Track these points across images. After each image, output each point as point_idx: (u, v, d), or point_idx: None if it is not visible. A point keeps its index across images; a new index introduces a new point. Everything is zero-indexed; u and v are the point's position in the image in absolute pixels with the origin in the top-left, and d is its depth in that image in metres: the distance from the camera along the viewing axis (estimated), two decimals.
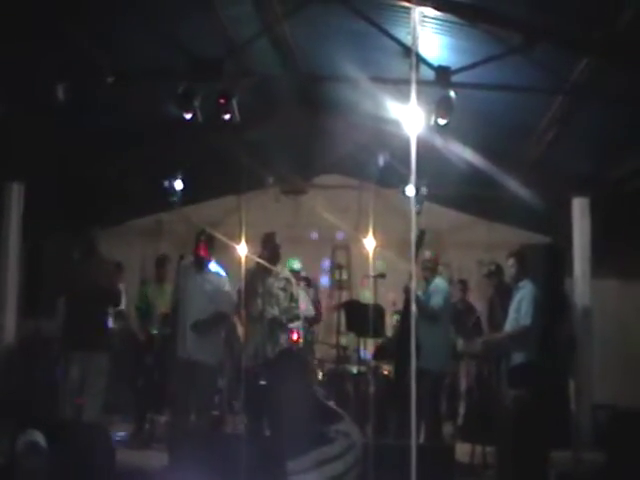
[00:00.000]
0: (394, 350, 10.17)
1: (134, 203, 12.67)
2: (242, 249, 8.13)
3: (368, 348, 10.61)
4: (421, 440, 8.21)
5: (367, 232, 9.11)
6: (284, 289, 8.48)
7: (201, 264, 8.36)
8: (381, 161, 10.28)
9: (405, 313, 8.85)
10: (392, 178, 10.08)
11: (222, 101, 7.84)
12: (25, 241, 10.86)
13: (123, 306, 10.56)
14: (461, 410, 10.64)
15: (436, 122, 7.57)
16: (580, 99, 8.30)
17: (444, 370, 9.08)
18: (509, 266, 8.19)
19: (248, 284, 8.26)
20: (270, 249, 8.51)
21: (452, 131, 8.16)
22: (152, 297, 10.25)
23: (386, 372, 10.29)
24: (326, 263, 13.09)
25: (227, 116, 7.90)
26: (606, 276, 11.39)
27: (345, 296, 11.41)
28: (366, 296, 10.41)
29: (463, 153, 9.16)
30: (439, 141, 8.32)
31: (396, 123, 7.81)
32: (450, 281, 10.01)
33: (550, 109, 8.67)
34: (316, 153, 12.43)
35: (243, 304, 8.37)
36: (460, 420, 10.46)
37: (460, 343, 10.24)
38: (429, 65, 7.43)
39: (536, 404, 7.26)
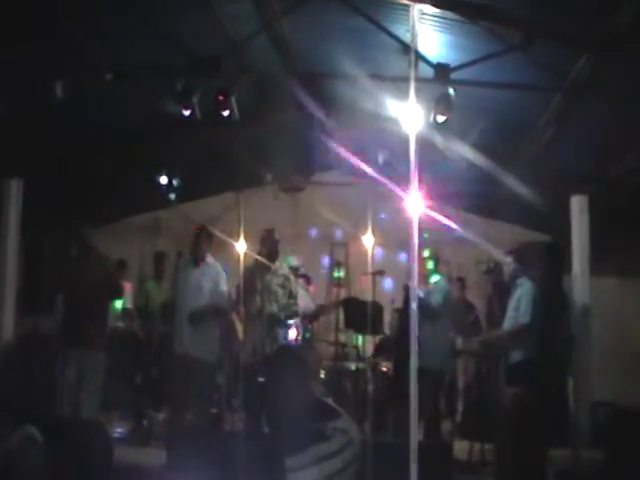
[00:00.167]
0: (393, 348, 10.18)
1: (132, 200, 12.67)
2: (241, 246, 8.13)
3: (367, 345, 10.64)
4: (420, 437, 8.21)
5: (366, 229, 9.11)
6: (283, 286, 8.47)
7: (198, 260, 8.37)
8: (380, 159, 10.28)
9: (405, 311, 8.86)
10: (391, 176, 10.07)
11: (221, 98, 7.86)
12: (24, 238, 10.87)
13: (129, 304, 10.57)
14: (459, 407, 10.65)
15: (435, 120, 7.57)
16: (579, 97, 8.29)
17: (444, 368, 9.09)
18: (508, 264, 8.19)
19: (247, 281, 8.26)
20: (269, 246, 8.50)
21: (451, 128, 8.16)
22: (150, 294, 10.26)
23: (385, 369, 10.30)
24: (325, 260, 13.07)
25: (226, 113, 7.91)
26: (605, 274, 11.39)
27: (344, 293, 11.41)
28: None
29: (462, 150, 9.16)
30: (438, 139, 8.32)
31: (395, 120, 7.79)
32: (449, 279, 10.01)
33: (549, 107, 8.67)
34: (315, 150, 12.42)
35: (242, 301, 8.37)
36: (459, 417, 10.47)
37: (459, 341, 10.24)
38: (428, 62, 7.43)
39: (535, 402, 7.25)
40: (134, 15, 7.70)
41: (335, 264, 12.05)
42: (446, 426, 9.78)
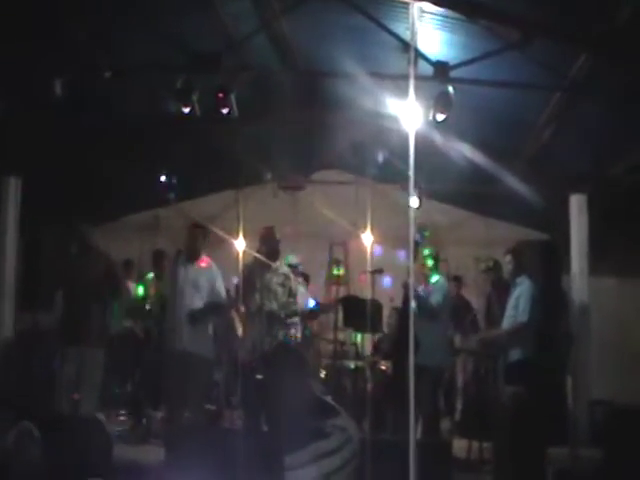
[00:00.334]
0: (392, 346, 10.19)
1: (132, 198, 12.66)
2: (240, 244, 8.13)
3: (366, 344, 10.64)
4: (418, 436, 8.22)
5: (365, 228, 9.11)
6: (282, 284, 8.44)
7: (193, 257, 8.35)
8: (379, 157, 10.28)
9: (404, 309, 8.86)
10: (390, 174, 10.07)
11: (220, 96, 7.84)
12: (23, 235, 10.87)
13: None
14: (458, 406, 10.65)
15: (434, 118, 7.57)
16: (578, 95, 8.29)
17: (443, 366, 9.10)
18: (506, 263, 8.19)
19: (246, 279, 8.25)
20: (269, 244, 8.48)
21: (450, 127, 8.16)
22: (150, 292, 10.25)
23: (384, 367, 10.30)
24: (324, 258, 13.06)
25: (225, 111, 7.90)
26: (604, 273, 11.40)
27: (343, 291, 11.41)
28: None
29: (461, 149, 9.16)
30: (437, 137, 8.32)
31: (394, 118, 7.80)
32: (447, 277, 10.01)
33: (548, 105, 8.66)
34: (314, 149, 12.42)
35: (241, 299, 8.37)
36: (457, 416, 10.47)
37: (458, 339, 10.25)
38: (427, 60, 7.43)
39: (533, 401, 7.25)
40: (134, 13, 7.70)
41: (334, 262, 12.06)
42: (445, 424, 9.78)
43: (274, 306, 8.31)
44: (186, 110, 7.76)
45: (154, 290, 10.19)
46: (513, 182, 9.56)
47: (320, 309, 10.41)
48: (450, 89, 7.41)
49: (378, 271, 9.58)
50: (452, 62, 7.45)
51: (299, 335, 8.64)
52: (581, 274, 10.60)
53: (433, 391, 8.75)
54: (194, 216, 10.11)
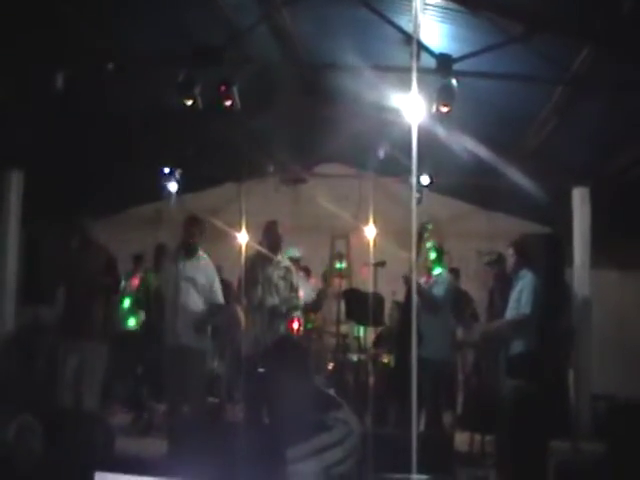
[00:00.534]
0: (394, 339, 10.18)
1: (133, 192, 12.66)
2: (242, 237, 8.12)
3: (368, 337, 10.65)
4: (420, 429, 8.21)
5: (367, 221, 9.10)
6: (284, 278, 8.42)
7: (189, 251, 8.31)
8: (382, 150, 10.27)
9: (406, 303, 8.85)
10: (393, 167, 10.06)
11: (223, 88, 7.83)
12: (24, 229, 10.87)
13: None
14: (460, 399, 10.65)
15: (437, 110, 7.56)
16: (581, 89, 8.27)
17: (445, 359, 9.07)
18: (509, 256, 8.18)
19: (248, 272, 8.24)
20: (271, 238, 8.46)
21: (453, 120, 8.14)
22: (151, 286, 10.24)
23: (386, 360, 10.30)
24: (326, 252, 13.05)
25: (228, 103, 7.89)
26: (606, 266, 11.40)
27: (345, 285, 11.41)
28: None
29: (464, 142, 9.14)
30: (440, 130, 8.30)
31: (397, 111, 7.79)
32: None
33: (551, 98, 8.65)
34: (316, 142, 12.41)
35: (243, 292, 8.35)
36: (459, 409, 10.47)
37: (459, 332, 10.24)
38: (430, 53, 7.40)
39: (535, 394, 7.25)
40: (136, 6, 7.69)
41: (336, 256, 12.05)
42: (447, 418, 9.79)
43: (276, 300, 8.30)
44: (188, 103, 7.74)
45: (154, 284, 10.19)
46: (515, 175, 9.55)
47: (318, 295, 10.44)
48: (453, 82, 7.39)
49: (380, 264, 9.58)
50: (455, 55, 7.42)
51: (301, 328, 8.64)
52: (583, 267, 10.60)
53: (435, 384, 8.74)
54: (196, 209, 10.09)
